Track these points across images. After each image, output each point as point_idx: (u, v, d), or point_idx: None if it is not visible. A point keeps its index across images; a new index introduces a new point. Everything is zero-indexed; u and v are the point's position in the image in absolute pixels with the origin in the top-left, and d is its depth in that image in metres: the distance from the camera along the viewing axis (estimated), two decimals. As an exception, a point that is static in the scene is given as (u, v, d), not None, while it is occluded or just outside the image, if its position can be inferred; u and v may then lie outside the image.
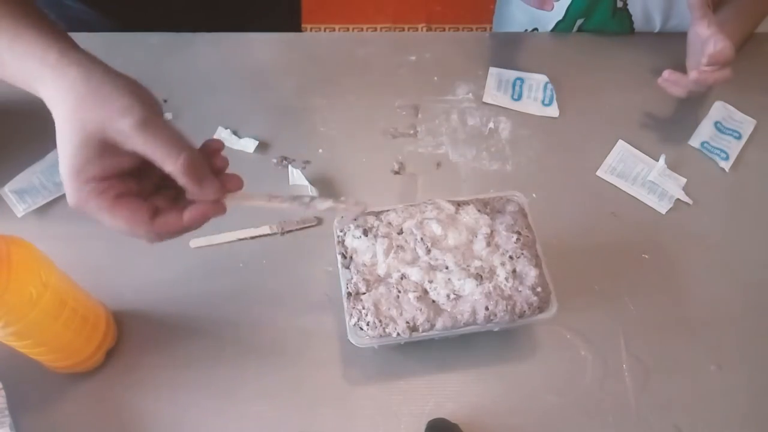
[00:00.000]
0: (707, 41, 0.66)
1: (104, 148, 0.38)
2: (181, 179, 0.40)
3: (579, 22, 0.83)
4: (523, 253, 0.55)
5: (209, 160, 0.43)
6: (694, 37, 0.68)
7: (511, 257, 0.55)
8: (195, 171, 0.40)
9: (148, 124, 0.38)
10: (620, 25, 0.82)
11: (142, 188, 0.42)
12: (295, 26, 0.99)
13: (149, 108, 0.39)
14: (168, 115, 0.71)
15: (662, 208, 0.68)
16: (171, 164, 0.39)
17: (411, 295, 0.53)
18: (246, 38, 0.79)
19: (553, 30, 0.85)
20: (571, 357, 0.60)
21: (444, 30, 1.89)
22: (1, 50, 0.40)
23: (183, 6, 0.79)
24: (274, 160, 0.69)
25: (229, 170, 0.46)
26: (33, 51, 0.39)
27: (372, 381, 0.58)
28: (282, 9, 0.94)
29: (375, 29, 1.87)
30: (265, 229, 0.65)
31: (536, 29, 0.87)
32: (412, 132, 0.73)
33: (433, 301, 0.53)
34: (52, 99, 0.39)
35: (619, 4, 0.80)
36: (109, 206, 0.39)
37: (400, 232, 0.55)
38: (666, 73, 0.68)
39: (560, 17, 0.82)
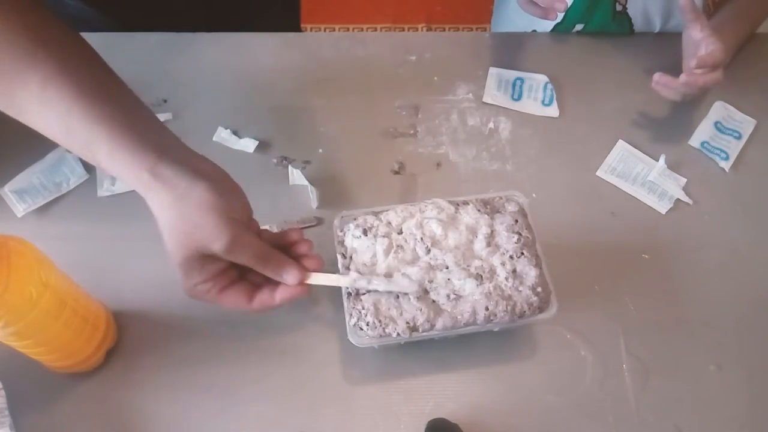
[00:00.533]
0: (699, 44, 0.66)
1: (203, 260, 0.46)
2: (269, 276, 0.50)
3: (578, 27, 0.83)
4: (523, 253, 0.55)
5: (290, 247, 0.52)
6: (688, 39, 0.68)
7: (511, 257, 0.55)
8: (277, 271, 0.50)
9: (232, 248, 0.45)
10: (620, 28, 0.82)
11: (240, 268, 0.50)
12: (294, 26, 0.99)
13: (232, 227, 0.45)
14: (168, 115, 0.71)
15: (662, 208, 0.68)
16: (259, 268, 0.49)
17: (411, 295, 0.53)
18: (246, 38, 0.79)
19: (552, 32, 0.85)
20: (571, 357, 0.60)
21: (444, 30, 1.89)
22: (102, 158, 0.44)
23: (182, 6, 0.79)
24: (274, 160, 0.69)
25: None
26: (130, 167, 0.44)
27: (372, 381, 0.58)
28: (281, 9, 0.94)
29: (375, 29, 1.87)
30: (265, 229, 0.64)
31: (534, 31, 0.87)
32: (412, 132, 0.73)
33: (433, 301, 0.53)
34: (153, 211, 0.45)
35: (618, 8, 0.80)
36: (216, 300, 0.49)
37: (400, 232, 0.55)
38: (656, 76, 0.68)
39: (559, 20, 0.82)
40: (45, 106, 0.43)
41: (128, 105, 0.46)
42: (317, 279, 0.52)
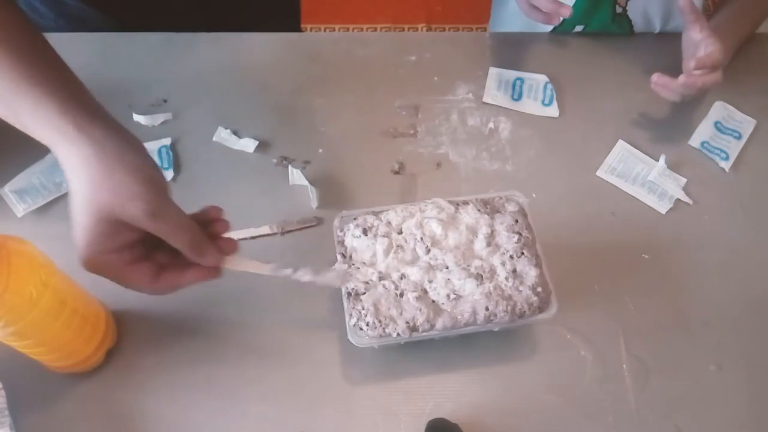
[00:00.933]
0: (698, 45, 0.66)
1: (116, 226, 0.42)
2: (186, 254, 0.46)
3: (578, 28, 0.82)
4: (523, 253, 0.55)
5: (209, 226, 0.48)
6: (687, 40, 0.69)
7: (511, 257, 0.55)
8: (197, 247, 0.46)
9: (156, 211, 0.42)
10: (620, 29, 0.82)
11: (147, 246, 0.46)
12: (294, 27, 0.99)
13: (157, 192, 0.43)
14: (168, 115, 0.71)
15: (662, 208, 0.68)
16: (177, 243, 0.45)
17: (411, 295, 0.53)
18: (246, 38, 0.79)
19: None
20: (571, 357, 0.60)
21: (444, 30, 1.89)
22: (25, 115, 0.43)
23: (182, 6, 0.79)
24: (274, 160, 0.69)
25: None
26: (52, 121, 0.42)
27: (372, 381, 0.58)
28: (281, 10, 0.94)
29: (375, 29, 1.87)
30: (265, 229, 0.65)
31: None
32: (412, 132, 0.73)
33: (433, 301, 0.53)
34: (68, 170, 0.42)
35: (618, 10, 0.80)
36: (117, 274, 0.45)
37: (400, 232, 0.55)
38: (655, 77, 0.68)
39: (558, 23, 0.82)
40: None
41: (59, 69, 0.45)
42: (237, 263, 0.49)
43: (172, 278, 0.47)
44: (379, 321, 0.52)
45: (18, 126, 0.44)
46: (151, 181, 0.43)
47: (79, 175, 0.42)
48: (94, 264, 0.43)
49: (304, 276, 0.51)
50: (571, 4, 0.79)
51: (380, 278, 0.54)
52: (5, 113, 0.44)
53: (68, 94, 0.43)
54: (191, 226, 0.46)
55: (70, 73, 0.46)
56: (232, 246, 0.49)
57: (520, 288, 0.54)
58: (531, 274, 0.54)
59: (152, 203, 0.42)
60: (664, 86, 0.68)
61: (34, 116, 0.42)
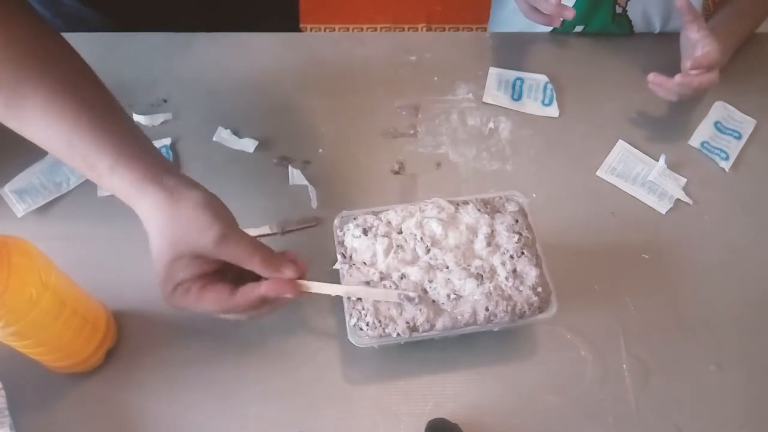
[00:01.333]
0: (696, 45, 0.66)
1: (193, 259, 0.46)
2: (261, 273, 0.48)
3: (578, 28, 0.83)
4: (523, 253, 0.55)
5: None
6: (685, 40, 0.69)
7: (511, 257, 0.55)
8: (270, 263, 0.48)
9: (225, 239, 0.45)
10: (620, 29, 0.82)
11: (228, 277, 0.49)
12: (293, 27, 0.99)
13: (224, 221, 0.46)
14: (168, 115, 0.71)
15: (662, 208, 0.68)
16: (250, 265, 0.47)
17: (412, 303, 0.52)
18: (246, 38, 0.79)
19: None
20: (571, 357, 0.60)
21: (444, 30, 1.89)
22: (103, 170, 0.45)
23: (179, 7, 0.79)
24: (274, 160, 0.69)
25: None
26: (130, 175, 0.45)
27: (372, 381, 0.58)
28: (279, 10, 0.94)
29: (375, 29, 1.87)
30: (265, 229, 0.65)
31: None
32: (412, 132, 0.73)
33: (433, 301, 0.53)
34: (145, 219, 0.46)
35: (618, 10, 0.80)
36: (193, 301, 0.47)
37: (400, 232, 0.55)
38: (651, 76, 0.68)
39: (558, 24, 0.82)
40: (49, 120, 0.45)
41: (129, 123, 0.49)
42: (313, 287, 0.50)
43: (247, 290, 0.48)
44: (379, 321, 0.52)
45: (95, 180, 0.47)
46: (217, 214, 0.46)
47: (155, 219, 0.45)
48: (174, 296, 0.47)
49: (378, 295, 0.52)
50: (571, 5, 0.79)
51: (381, 278, 0.53)
52: (85, 170, 0.47)
53: (142, 148, 0.47)
54: (261, 247, 0.48)
55: (129, 118, 0.50)
56: (303, 267, 0.50)
57: (521, 288, 0.54)
58: (531, 274, 0.54)
59: (218, 233, 0.45)
60: (661, 85, 0.68)
61: (113, 171, 0.45)
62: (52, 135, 0.45)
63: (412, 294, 0.52)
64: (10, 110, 0.45)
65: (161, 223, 0.45)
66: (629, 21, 0.81)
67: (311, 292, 0.50)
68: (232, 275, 0.49)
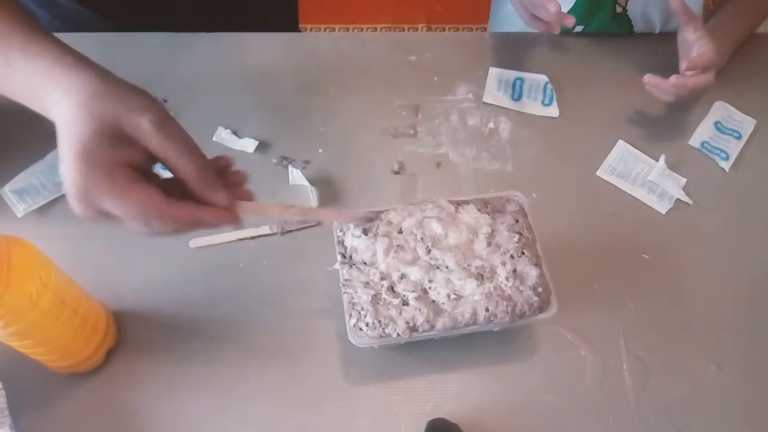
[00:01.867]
0: (692, 45, 0.66)
1: (118, 138, 0.37)
2: (192, 182, 0.40)
3: (579, 29, 0.83)
4: (524, 253, 0.55)
5: (223, 174, 0.43)
6: (682, 41, 0.69)
7: (512, 257, 0.55)
8: (206, 177, 0.40)
9: (165, 125, 0.38)
10: (620, 29, 0.82)
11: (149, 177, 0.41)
12: (291, 27, 0.99)
13: (165, 111, 0.40)
14: (168, 115, 0.71)
15: (662, 208, 0.68)
16: (184, 166, 0.39)
17: (410, 295, 0.52)
18: (246, 38, 0.79)
19: None
20: (571, 357, 0.60)
21: (444, 30, 1.89)
22: (13, 52, 0.39)
23: (177, 7, 0.79)
24: (274, 160, 0.69)
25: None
26: (49, 51, 0.39)
27: (372, 381, 0.58)
28: (278, 10, 0.94)
29: (375, 29, 1.87)
30: (265, 229, 0.65)
31: None
32: (412, 132, 0.73)
33: (433, 302, 0.53)
34: (60, 98, 0.38)
35: (619, 10, 0.80)
36: (119, 189, 0.37)
37: (400, 232, 0.55)
38: (647, 77, 0.68)
39: (558, 32, 0.82)
40: None
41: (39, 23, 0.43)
42: (251, 207, 0.44)
43: (186, 205, 0.40)
44: (379, 321, 0.52)
45: (5, 83, 0.40)
46: (156, 101, 0.40)
47: (79, 92, 0.37)
48: (91, 181, 0.36)
49: (320, 215, 0.48)
50: (572, 4, 0.79)
51: (381, 278, 0.53)
52: None
53: (60, 42, 0.41)
54: (199, 152, 0.40)
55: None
56: (246, 195, 0.44)
57: (521, 288, 0.54)
58: (531, 274, 0.54)
59: (161, 117, 0.38)
60: (657, 86, 0.68)
61: (25, 51, 0.39)
62: None
63: (371, 215, 0.48)
64: None
65: (87, 96, 0.37)
66: (629, 20, 0.81)
67: (246, 211, 0.44)
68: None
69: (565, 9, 0.80)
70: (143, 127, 0.38)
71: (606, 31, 0.82)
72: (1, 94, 0.42)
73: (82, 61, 0.40)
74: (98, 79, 0.39)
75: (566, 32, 0.83)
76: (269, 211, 0.47)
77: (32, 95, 0.40)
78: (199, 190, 0.41)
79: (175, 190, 0.41)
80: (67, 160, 0.37)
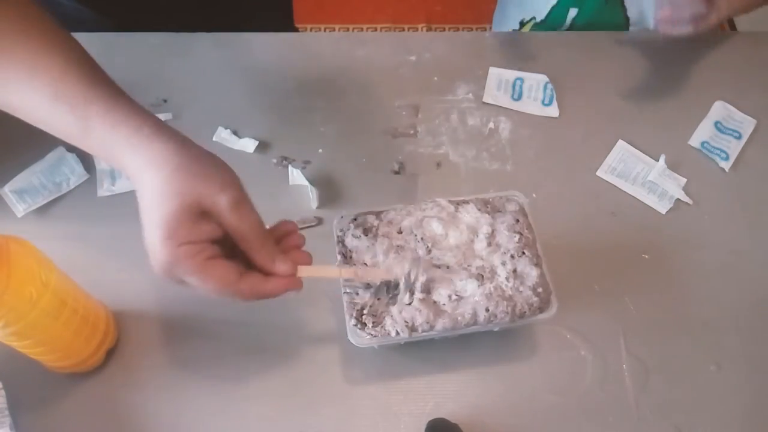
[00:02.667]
0: None
1: (199, 216, 0.40)
2: (257, 257, 0.44)
3: (573, 12, 0.82)
4: (524, 253, 0.55)
5: (282, 241, 0.47)
6: None
7: (512, 256, 0.55)
8: (269, 251, 0.44)
9: (240, 203, 0.41)
10: (613, 13, 0.81)
11: (223, 253, 0.44)
12: (288, 26, 0.99)
13: (240, 186, 0.42)
14: (168, 115, 0.71)
15: (662, 208, 0.68)
16: (252, 242, 0.43)
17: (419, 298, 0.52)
18: (246, 38, 0.79)
19: (546, 18, 0.85)
20: (571, 357, 0.60)
21: (444, 30, 1.89)
22: (92, 119, 0.41)
23: (174, 6, 0.79)
24: (274, 160, 0.69)
25: (231, 167, 0.46)
26: (129, 121, 0.41)
27: (372, 381, 0.58)
28: (273, 9, 0.94)
29: (375, 29, 1.87)
30: (265, 229, 0.65)
31: (534, 18, 0.87)
32: (412, 132, 0.73)
33: (434, 302, 0.53)
34: (142, 167, 0.40)
35: None
36: (200, 268, 0.40)
37: (400, 232, 0.55)
38: (658, 14, 0.66)
39: (554, 3, 0.82)
40: (32, 74, 0.41)
41: (116, 85, 0.45)
42: (313, 271, 0.48)
43: (256, 281, 0.43)
44: (379, 321, 0.52)
45: (80, 139, 0.42)
46: (234, 177, 0.42)
47: (160, 167, 0.39)
48: (175, 256, 0.39)
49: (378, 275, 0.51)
50: None
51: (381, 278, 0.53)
52: (70, 125, 0.42)
53: (135, 102, 0.43)
54: (263, 227, 0.44)
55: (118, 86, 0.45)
56: (305, 258, 0.47)
57: (521, 288, 0.53)
58: (532, 274, 0.54)
59: (237, 195, 0.41)
60: (670, 21, 0.66)
61: (105, 119, 0.41)
62: (36, 88, 0.41)
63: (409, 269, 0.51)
64: None
65: (169, 170, 0.39)
66: (623, 6, 0.80)
67: (306, 275, 0.48)
68: (225, 250, 0.44)
69: None
70: (221, 205, 0.40)
71: (599, 17, 0.81)
72: (79, 147, 0.43)
73: (160, 129, 0.41)
74: (178, 152, 0.40)
75: (560, 16, 0.82)
76: (327, 273, 0.51)
77: (112, 160, 0.42)
78: (262, 264, 0.44)
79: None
80: (151, 235, 0.40)
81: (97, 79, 0.42)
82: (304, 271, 0.47)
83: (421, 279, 0.52)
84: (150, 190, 0.40)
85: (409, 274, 0.52)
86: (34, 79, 0.41)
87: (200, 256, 0.40)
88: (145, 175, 0.40)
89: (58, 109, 0.41)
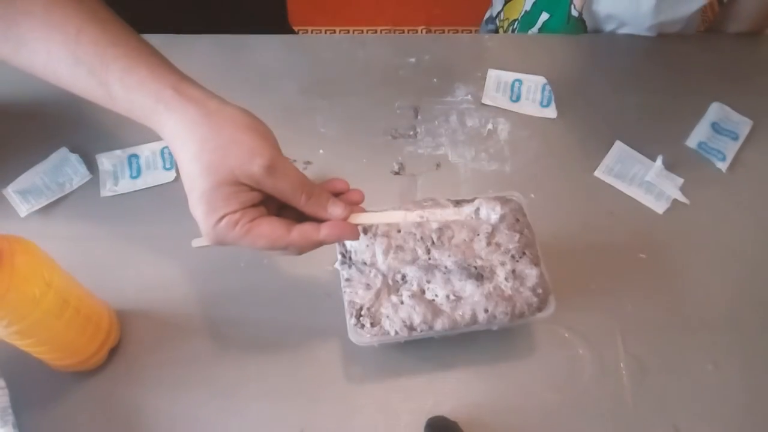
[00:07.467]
0: None
1: (234, 189, 0.40)
2: (306, 209, 0.43)
3: (545, 16, 0.83)
4: (524, 253, 0.55)
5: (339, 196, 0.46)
6: None
7: (512, 256, 0.55)
8: (318, 200, 0.43)
9: (275, 168, 0.40)
10: (575, 30, 0.81)
11: (269, 210, 0.44)
12: (284, 28, 0.99)
13: (272, 146, 0.41)
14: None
15: (659, 208, 0.69)
16: (297, 199, 0.42)
17: (409, 295, 0.53)
18: (246, 40, 0.79)
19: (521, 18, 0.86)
20: (569, 355, 0.60)
21: (443, 32, 1.89)
22: (113, 82, 0.40)
23: (173, 7, 0.79)
24: (275, 161, 0.70)
25: (260, 120, 0.46)
26: (148, 85, 0.40)
27: (372, 379, 0.58)
28: (268, 11, 0.94)
29: (375, 31, 1.88)
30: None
31: (516, 21, 0.88)
32: (411, 133, 0.73)
33: (432, 302, 0.53)
34: (172, 138, 0.40)
35: (575, 13, 0.80)
36: (245, 233, 0.41)
37: (399, 231, 0.56)
38: None
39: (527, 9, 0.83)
40: (50, 31, 0.39)
41: (139, 37, 0.43)
42: (366, 217, 0.45)
43: (307, 230, 0.42)
44: (379, 321, 0.52)
45: (108, 103, 0.41)
46: (264, 136, 0.41)
47: (187, 139, 0.39)
48: (219, 229, 0.40)
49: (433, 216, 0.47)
50: None
51: (381, 278, 0.54)
52: (93, 89, 0.41)
53: (156, 59, 0.42)
54: (308, 182, 0.43)
55: (145, 41, 0.44)
56: (357, 195, 0.46)
57: (521, 289, 0.54)
58: (531, 274, 0.54)
59: (269, 159, 0.40)
60: None
61: (124, 83, 0.39)
62: (53, 49, 0.39)
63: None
64: (6, 25, 0.40)
65: (196, 145, 0.39)
66: (583, 21, 0.81)
67: (362, 220, 0.46)
68: (272, 205, 0.44)
69: None
70: (255, 174, 0.40)
71: (562, 29, 0.81)
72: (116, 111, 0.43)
73: (180, 94, 0.40)
74: (202, 122, 0.39)
75: (531, 21, 0.83)
76: (388, 219, 0.48)
77: (146, 122, 0.42)
78: (314, 213, 0.43)
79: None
80: (194, 209, 0.41)
81: (116, 34, 0.41)
82: (360, 218, 0.45)
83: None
84: (182, 163, 0.40)
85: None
86: (51, 38, 0.40)
87: (243, 221, 0.41)
88: (175, 143, 0.40)
89: (78, 71, 0.40)
